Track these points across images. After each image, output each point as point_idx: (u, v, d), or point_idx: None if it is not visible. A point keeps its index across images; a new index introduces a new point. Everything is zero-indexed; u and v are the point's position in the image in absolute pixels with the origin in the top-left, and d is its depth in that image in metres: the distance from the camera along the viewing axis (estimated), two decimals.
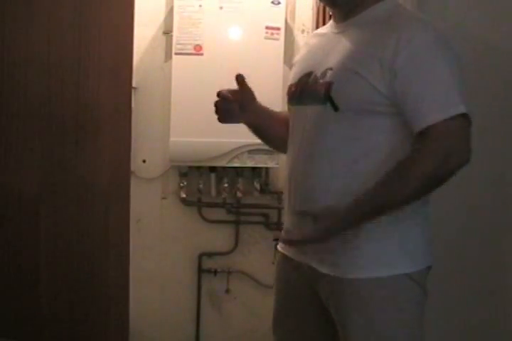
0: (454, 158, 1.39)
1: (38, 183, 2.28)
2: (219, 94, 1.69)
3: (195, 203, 3.05)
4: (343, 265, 1.50)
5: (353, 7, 1.56)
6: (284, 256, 1.67)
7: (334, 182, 1.51)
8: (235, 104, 1.69)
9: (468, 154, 1.40)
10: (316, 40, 1.71)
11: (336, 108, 1.49)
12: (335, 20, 1.63)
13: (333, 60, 1.53)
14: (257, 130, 1.79)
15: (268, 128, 1.79)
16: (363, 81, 1.46)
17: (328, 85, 1.51)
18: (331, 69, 1.52)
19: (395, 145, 1.48)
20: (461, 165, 1.39)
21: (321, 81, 1.53)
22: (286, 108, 1.81)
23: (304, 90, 1.59)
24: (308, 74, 1.59)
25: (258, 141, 1.84)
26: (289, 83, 1.69)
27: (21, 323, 2.29)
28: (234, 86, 1.68)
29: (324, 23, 2.67)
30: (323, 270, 1.53)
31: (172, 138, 2.84)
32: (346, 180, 1.50)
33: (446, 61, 1.43)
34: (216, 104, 1.70)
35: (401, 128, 1.46)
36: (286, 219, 1.66)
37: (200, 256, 3.09)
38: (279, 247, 1.71)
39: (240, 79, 1.68)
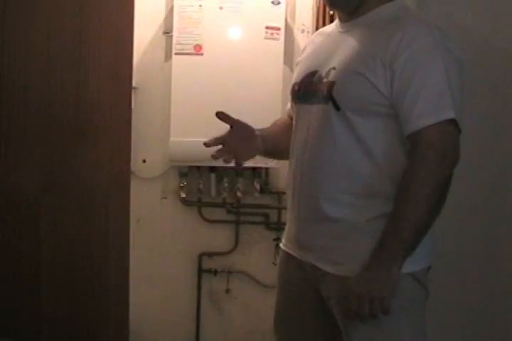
0: (446, 160, 1.41)
1: (38, 183, 2.27)
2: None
3: (195, 203, 3.05)
4: (346, 263, 1.50)
5: (354, 8, 1.56)
6: (287, 255, 1.67)
7: (336, 182, 1.51)
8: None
9: (457, 156, 1.42)
10: (322, 38, 1.71)
11: (337, 108, 1.49)
12: (340, 20, 1.63)
13: (337, 59, 1.54)
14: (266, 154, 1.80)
15: (275, 150, 1.78)
16: (365, 81, 1.46)
17: (331, 85, 1.51)
18: (334, 68, 1.53)
19: (395, 146, 1.48)
20: (454, 166, 1.42)
21: (325, 80, 1.54)
22: (285, 108, 1.82)
23: (307, 89, 1.60)
24: (313, 73, 1.59)
25: None
26: (292, 82, 1.70)
27: (21, 323, 2.28)
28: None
29: (324, 23, 2.67)
30: (326, 268, 1.53)
31: (172, 138, 2.84)
32: (348, 180, 1.50)
33: (444, 65, 1.43)
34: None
35: (401, 130, 1.46)
36: (289, 216, 1.67)
37: (200, 256, 3.09)
38: (281, 245, 1.71)
39: (222, 116, 1.66)
